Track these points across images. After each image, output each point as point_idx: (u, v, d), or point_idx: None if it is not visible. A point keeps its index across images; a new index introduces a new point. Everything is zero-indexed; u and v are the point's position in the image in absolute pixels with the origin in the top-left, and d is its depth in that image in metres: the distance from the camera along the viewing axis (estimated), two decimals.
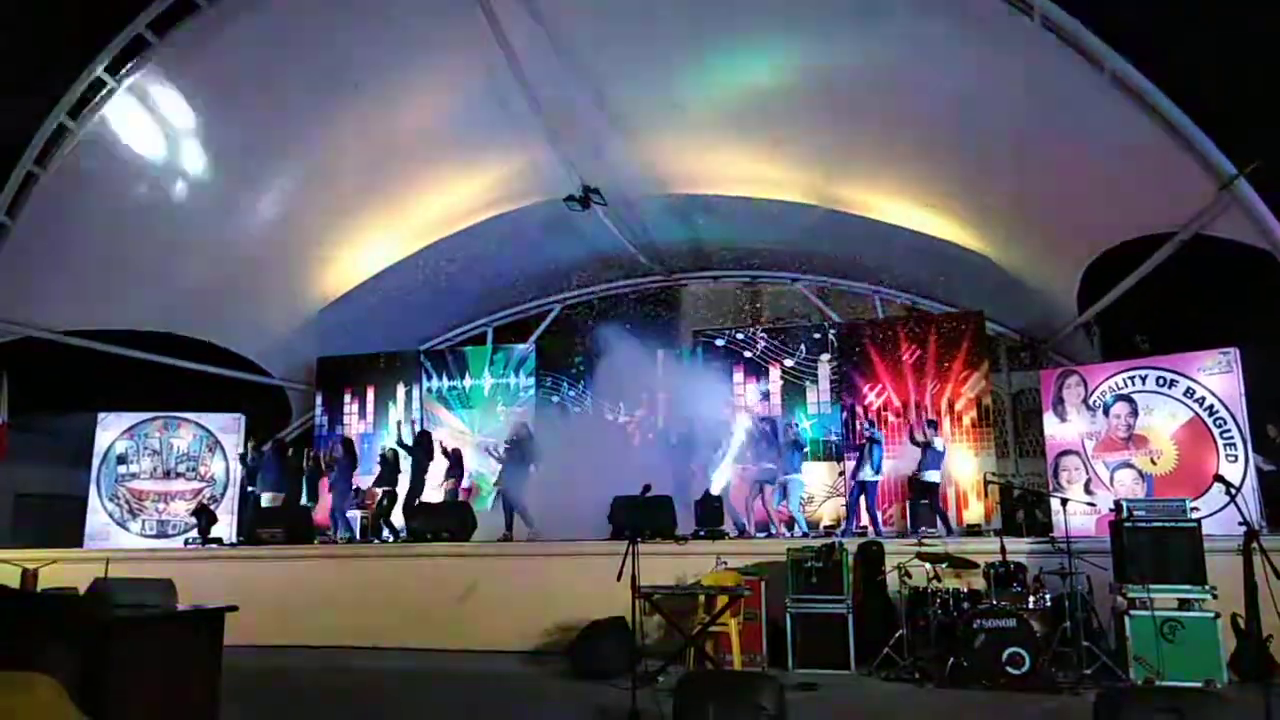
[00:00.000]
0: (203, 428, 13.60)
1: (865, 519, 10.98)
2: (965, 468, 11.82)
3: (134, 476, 13.28)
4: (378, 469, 12.91)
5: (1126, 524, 7.52)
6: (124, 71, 9.73)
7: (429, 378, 14.85)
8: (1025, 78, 8.84)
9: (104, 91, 9.86)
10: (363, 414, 14.97)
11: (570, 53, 10.07)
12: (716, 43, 9.84)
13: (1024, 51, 8.42)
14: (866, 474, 11.00)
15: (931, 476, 10.75)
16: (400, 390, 14.87)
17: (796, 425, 11.83)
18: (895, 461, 11.87)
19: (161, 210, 11.36)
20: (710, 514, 10.30)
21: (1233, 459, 9.47)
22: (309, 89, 10.34)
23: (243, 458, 13.27)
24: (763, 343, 13.45)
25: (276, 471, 13.11)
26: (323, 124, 11.01)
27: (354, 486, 13.09)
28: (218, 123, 10.51)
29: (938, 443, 10.94)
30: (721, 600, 7.73)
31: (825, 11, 9.11)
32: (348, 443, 13.40)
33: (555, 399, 14.28)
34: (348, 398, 15.03)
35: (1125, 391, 10.28)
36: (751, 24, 9.48)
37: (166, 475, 13.36)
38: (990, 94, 9.28)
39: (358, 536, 12.60)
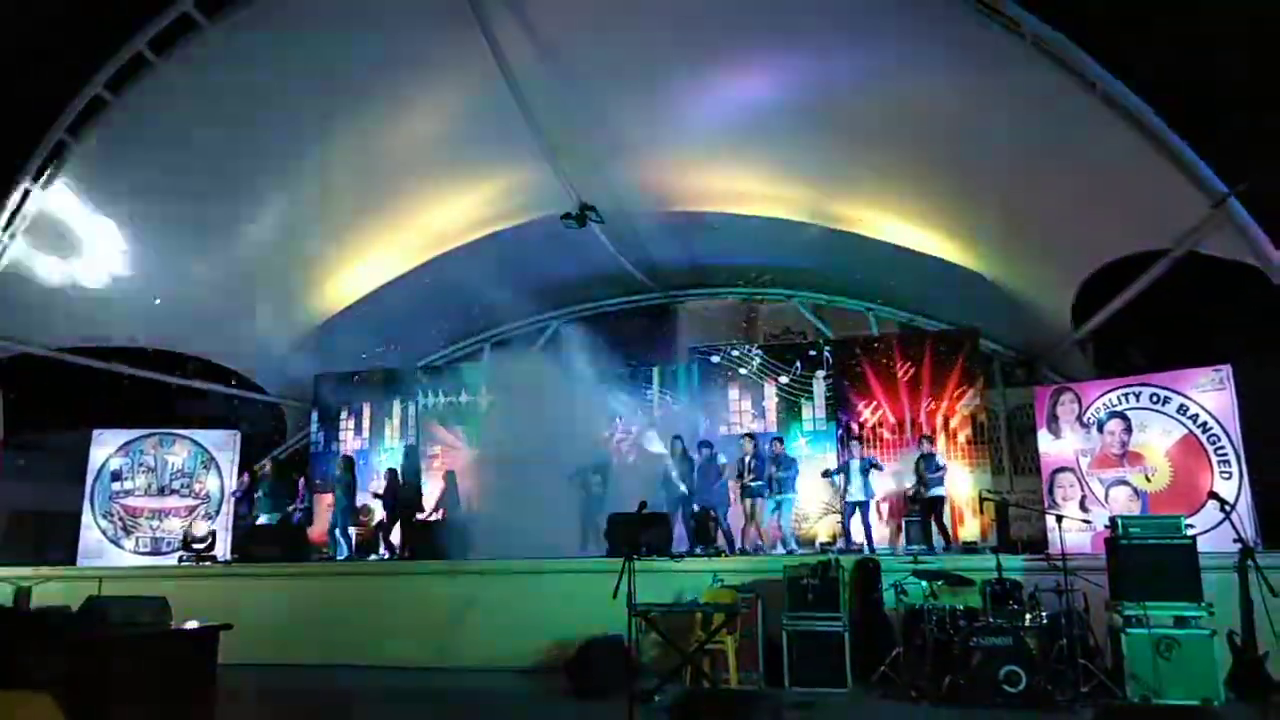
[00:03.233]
0: (198, 444, 13.55)
1: (860, 537, 10.97)
2: (961, 485, 11.83)
3: (128, 493, 13.21)
4: (381, 485, 12.89)
5: (1122, 541, 7.53)
6: (124, 89, 9.77)
7: (426, 394, 14.83)
8: (1018, 96, 8.91)
9: (104, 109, 9.89)
10: (359, 431, 14.94)
11: (568, 70, 10.14)
12: (714, 61, 9.91)
13: (1016, 71, 8.49)
14: (857, 494, 11.01)
15: (936, 491, 10.80)
16: (397, 407, 14.85)
17: (784, 443, 11.77)
18: (892, 478, 11.89)
19: (158, 226, 11.37)
20: (703, 530, 10.30)
21: (1227, 476, 9.48)
22: (308, 105, 10.39)
23: (242, 494, 13.25)
24: (758, 359, 13.47)
25: (273, 492, 13.07)
26: (322, 140, 11.06)
27: (355, 504, 13.06)
28: (216, 139, 10.53)
29: (939, 457, 11.00)
30: (718, 618, 7.72)
31: (821, 31, 9.18)
32: (348, 460, 13.39)
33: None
34: (344, 414, 15.00)
35: (1119, 408, 10.30)
36: (748, 43, 9.55)
37: (161, 492, 13.29)
38: (984, 112, 9.36)
39: (353, 554, 12.56)
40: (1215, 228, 8.68)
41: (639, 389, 13.90)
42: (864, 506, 11.00)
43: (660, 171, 12.14)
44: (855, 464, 11.14)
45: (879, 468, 11.38)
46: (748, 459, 11.30)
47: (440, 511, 12.46)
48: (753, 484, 11.16)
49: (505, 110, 10.41)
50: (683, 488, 11.42)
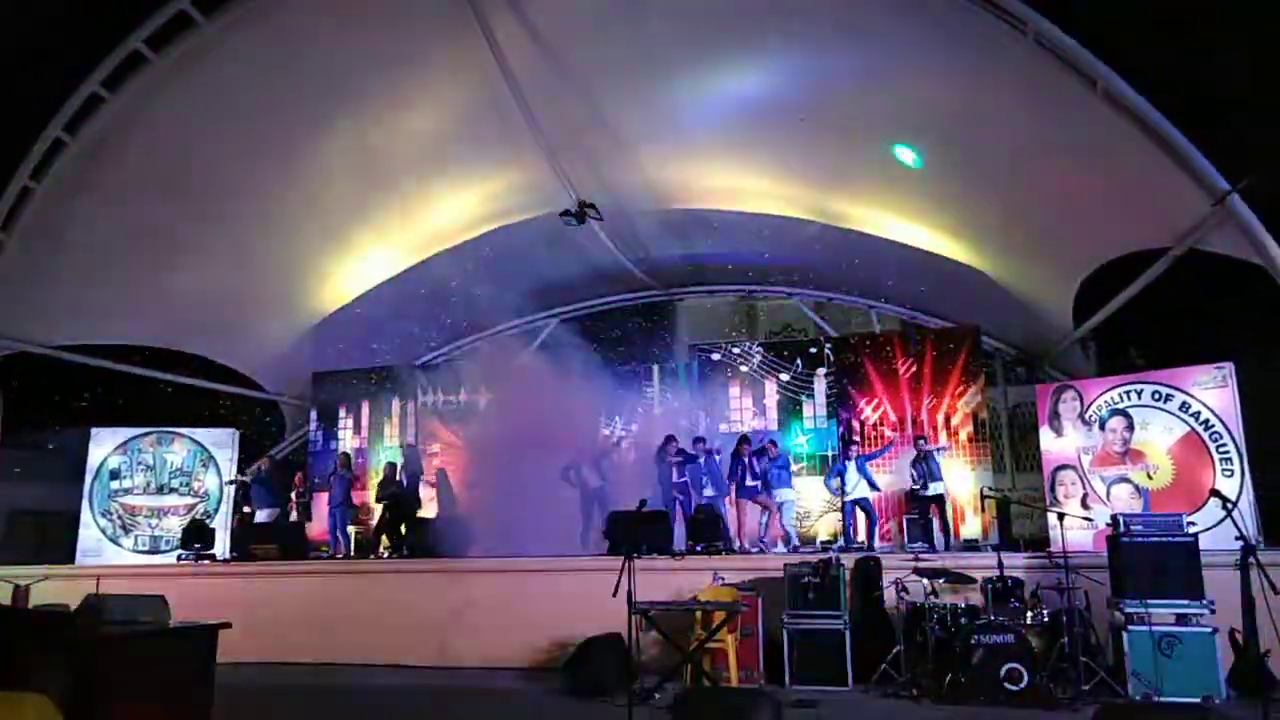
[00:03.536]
0: (196, 443, 13.53)
1: (862, 535, 10.96)
2: (962, 482, 11.80)
3: (127, 492, 13.19)
4: (379, 483, 12.87)
5: (1124, 539, 7.52)
6: (120, 86, 9.73)
7: (424, 392, 14.80)
8: (1019, 93, 8.88)
9: (100, 106, 9.85)
10: (357, 429, 14.90)
11: (567, 68, 10.11)
12: (713, 58, 9.88)
13: (1018, 67, 8.46)
14: (857, 492, 11.01)
15: (936, 489, 10.79)
16: (395, 405, 14.81)
17: (778, 445, 11.71)
18: (892, 476, 11.88)
19: (157, 224, 11.34)
20: (706, 529, 10.27)
21: (1229, 474, 9.47)
22: (306, 103, 10.35)
23: (240, 487, 13.23)
24: (759, 357, 13.45)
25: (270, 489, 13.05)
26: (320, 138, 11.02)
27: (354, 502, 13.03)
28: (213, 137, 10.50)
29: (936, 456, 11.02)
30: (718, 616, 7.70)
31: (821, 27, 9.16)
32: (346, 458, 13.36)
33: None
34: (342, 412, 14.96)
35: (1121, 406, 10.29)
36: (748, 40, 9.52)
37: (159, 490, 13.28)
38: (985, 109, 9.33)
39: (352, 552, 12.54)
40: (1217, 225, 8.66)
41: (639, 386, 13.88)
42: (865, 503, 11.01)
43: (659, 169, 12.10)
44: (852, 464, 11.15)
45: (876, 456, 11.51)
46: (747, 460, 11.27)
47: (437, 510, 12.44)
48: (748, 485, 11.14)
49: (504, 108, 10.38)
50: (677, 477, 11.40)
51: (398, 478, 12.66)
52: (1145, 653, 7.09)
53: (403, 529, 12.10)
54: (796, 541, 11.07)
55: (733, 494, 11.43)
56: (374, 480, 13.46)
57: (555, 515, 11.32)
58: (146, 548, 13.03)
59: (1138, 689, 7.05)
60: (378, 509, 12.89)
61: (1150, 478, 10.01)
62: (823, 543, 11.51)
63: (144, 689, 4.71)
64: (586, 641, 8.18)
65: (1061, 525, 7.88)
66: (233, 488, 13.28)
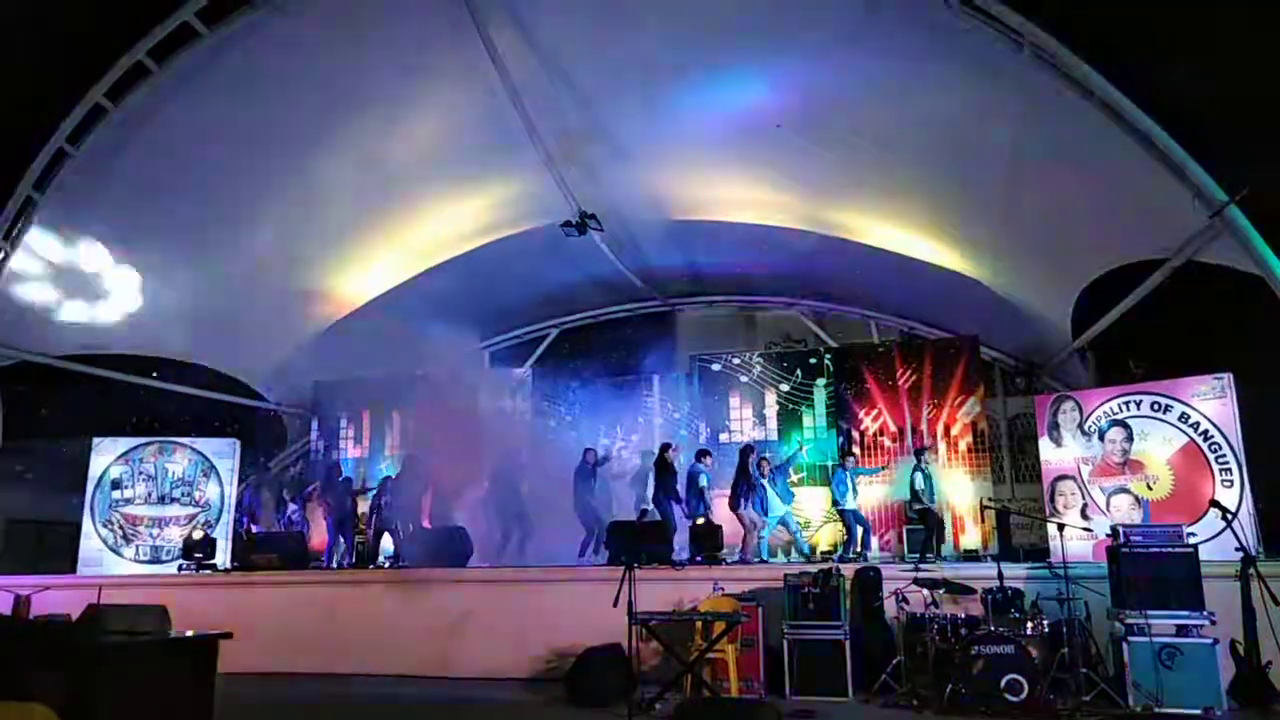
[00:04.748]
0: (198, 452, 13.53)
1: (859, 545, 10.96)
2: (962, 493, 11.81)
3: (128, 502, 13.18)
4: (379, 493, 12.86)
5: (1124, 549, 7.52)
6: (124, 97, 9.78)
7: (424, 402, 14.76)
8: (1018, 104, 8.92)
9: (103, 117, 9.90)
10: (358, 439, 14.91)
11: (567, 79, 10.16)
12: (713, 68, 9.93)
13: (1016, 79, 8.51)
14: (850, 502, 11.03)
15: (932, 501, 10.80)
16: (396, 415, 14.81)
17: (770, 461, 11.63)
18: (891, 488, 11.88)
19: (157, 236, 11.39)
20: (708, 539, 10.27)
21: (1228, 484, 9.47)
22: (307, 115, 10.40)
23: (242, 502, 13.25)
24: (759, 367, 13.47)
25: (272, 499, 13.05)
26: (322, 148, 11.05)
27: (354, 512, 13.02)
28: (217, 147, 10.55)
29: (931, 467, 11.04)
30: (719, 626, 7.71)
31: (821, 40, 9.20)
32: (339, 467, 13.34)
33: (551, 424, 14.25)
34: (344, 422, 14.97)
35: (1120, 417, 10.30)
36: (747, 51, 9.57)
37: (161, 500, 13.27)
38: (984, 120, 9.37)
39: (353, 562, 12.52)
40: (1215, 236, 8.69)
41: (639, 397, 13.90)
42: (858, 515, 11.01)
43: (660, 179, 12.14)
44: (849, 474, 11.15)
45: (873, 472, 11.65)
46: (752, 469, 11.27)
47: (437, 520, 12.44)
48: (743, 496, 11.14)
49: (505, 119, 10.42)
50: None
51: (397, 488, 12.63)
52: (1146, 664, 7.08)
53: (395, 540, 12.09)
54: (765, 556, 11.01)
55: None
56: (373, 492, 13.44)
57: (554, 524, 11.32)
58: (148, 558, 13.01)
59: (1138, 700, 7.04)
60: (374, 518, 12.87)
61: (1150, 488, 10.01)
62: (823, 553, 11.51)
63: (144, 699, 4.72)
64: (587, 652, 8.18)
65: (1061, 536, 7.89)
66: (236, 512, 13.26)
